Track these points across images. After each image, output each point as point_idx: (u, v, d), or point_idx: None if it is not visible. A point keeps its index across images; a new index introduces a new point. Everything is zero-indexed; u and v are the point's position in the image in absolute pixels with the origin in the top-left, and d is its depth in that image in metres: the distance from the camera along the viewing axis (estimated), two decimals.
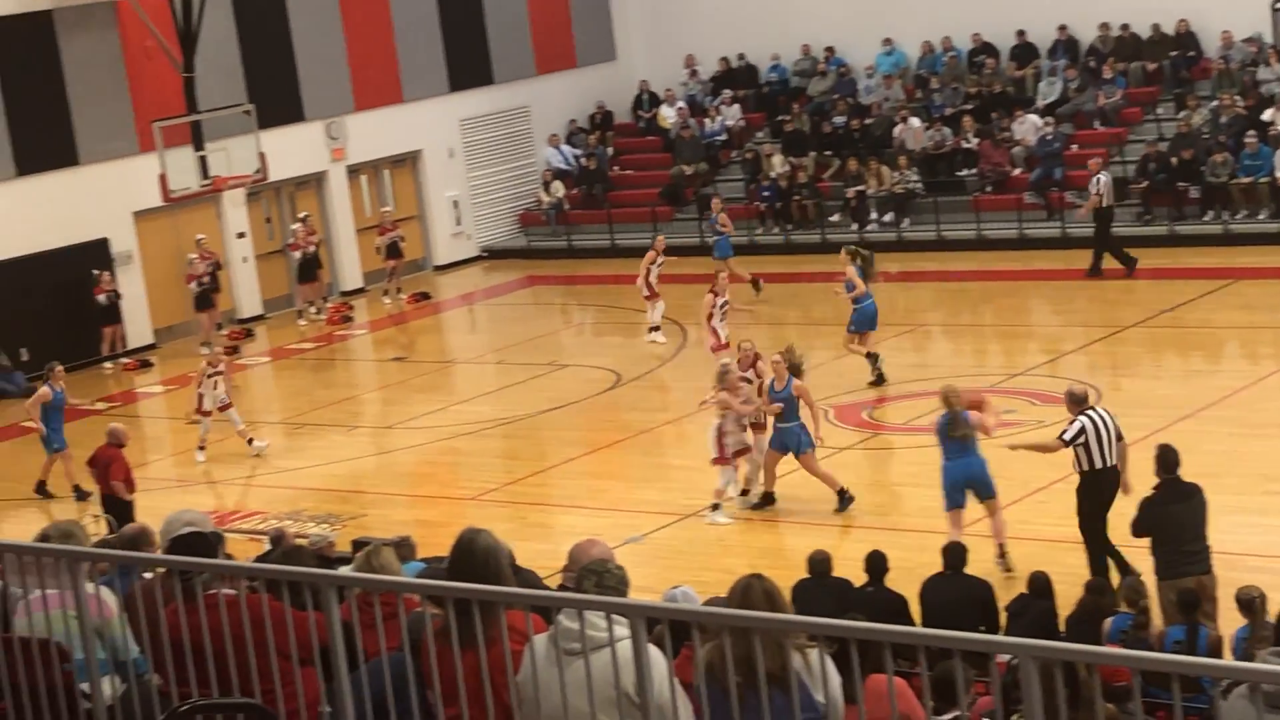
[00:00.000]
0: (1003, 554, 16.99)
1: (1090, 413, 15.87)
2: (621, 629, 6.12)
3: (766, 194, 34.82)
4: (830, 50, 37.45)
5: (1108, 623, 12.68)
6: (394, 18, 36.02)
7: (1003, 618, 13.58)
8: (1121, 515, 15.06)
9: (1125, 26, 34.60)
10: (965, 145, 34.06)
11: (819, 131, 36.04)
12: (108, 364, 31.19)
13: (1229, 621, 12.94)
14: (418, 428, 24.87)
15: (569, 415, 24.69)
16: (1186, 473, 14.43)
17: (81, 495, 22.61)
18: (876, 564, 14.13)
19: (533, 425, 24.34)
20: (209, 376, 24.37)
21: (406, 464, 23.51)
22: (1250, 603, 12.38)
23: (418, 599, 7.86)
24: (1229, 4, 33.56)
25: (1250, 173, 30.93)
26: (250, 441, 24.55)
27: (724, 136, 37.58)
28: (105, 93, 31.61)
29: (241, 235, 34.06)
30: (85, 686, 7.24)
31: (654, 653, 6.01)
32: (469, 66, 37.34)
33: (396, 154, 36.68)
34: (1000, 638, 5.21)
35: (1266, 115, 31.63)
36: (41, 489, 23.13)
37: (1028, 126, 33.49)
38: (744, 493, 19.68)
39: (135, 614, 7.37)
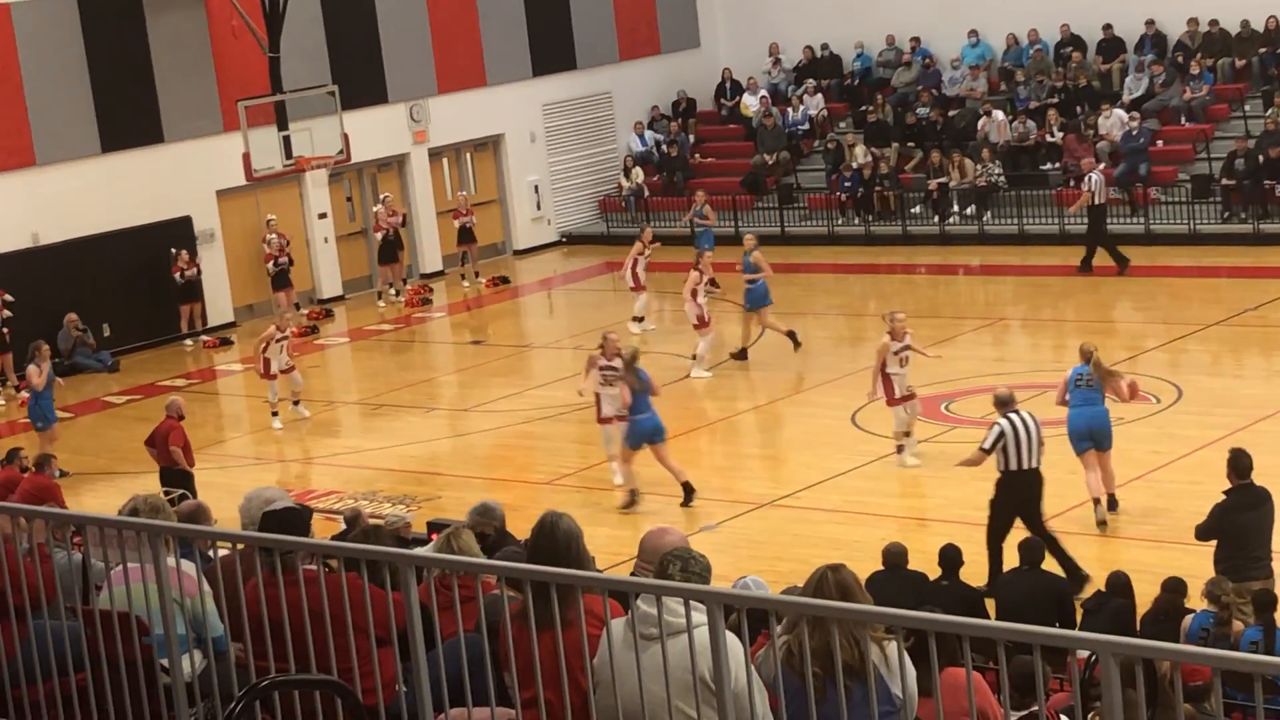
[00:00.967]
0: (1113, 503, 17.71)
1: (1012, 415, 16.22)
2: (699, 615, 6.12)
3: (848, 184, 34.70)
4: (916, 41, 37.27)
5: (1187, 620, 12.59)
6: (479, 1, 36.09)
7: (1078, 614, 13.50)
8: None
9: (1214, 22, 34.26)
10: (1049, 139, 33.82)
11: (902, 122, 35.89)
12: (188, 341, 31.44)
13: None
14: (494, 411, 24.94)
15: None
16: (1263, 472, 14.32)
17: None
18: (951, 557, 14.08)
19: None
20: (276, 341, 24.78)
21: (482, 447, 23.58)
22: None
23: (494, 582, 7.89)
24: None
25: None
26: (296, 403, 25.05)
27: (806, 126, 37.47)
28: (191, 72, 31.84)
29: (323, 216, 34.24)
30: (165, 662, 7.29)
31: (731, 640, 6.00)
32: (552, 51, 37.38)
33: (478, 137, 36.77)
34: (1081, 633, 5.18)
35: None
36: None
37: (1113, 121, 33.21)
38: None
39: (215, 589, 7.42)
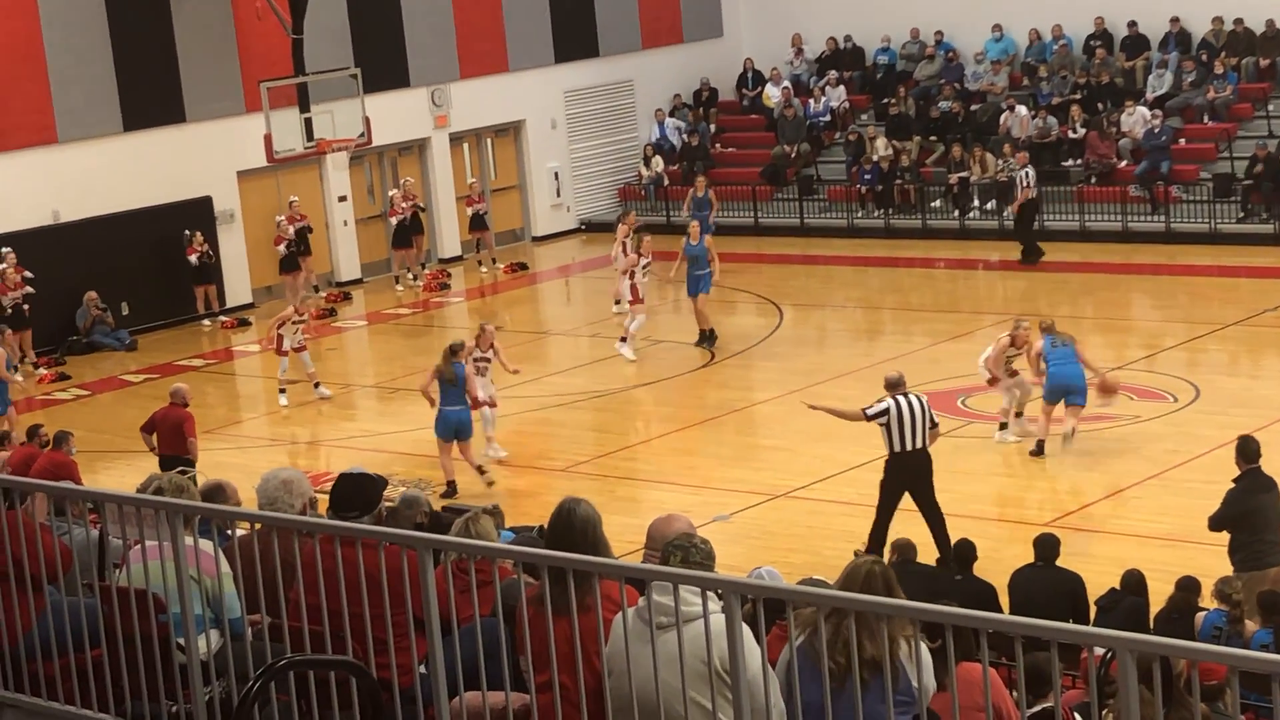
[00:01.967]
0: (1072, 432, 19.56)
1: (900, 397, 16.52)
2: (710, 604, 6.12)
3: (868, 177, 34.65)
4: (939, 34, 37.20)
5: (1199, 618, 12.57)
6: None
7: (1092, 612, 13.48)
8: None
9: (1239, 21, 34.16)
10: (1072, 135, 33.74)
11: (924, 116, 35.84)
12: (205, 321, 31.48)
13: None
14: (510, 397, 24.91)
15: (661, 391, 24.70)
16: (1278, 473, 14.32)
17: None
18: (965, 552, 14.08)
19: (625, 399, 24.37)
20: (292, 322, 25.08)
21: (498, 433, 23.56)
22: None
23: (511, 567, 7.90)
24: None
25: None
26: (316, 385, 25.31)
27: (828, 118, 37.42)
28: (214, 52, 31.86)
29: (343, 199, 34.27)
30: (181, 640, 7.31)
31: (743, 629, 6.01)
32: (575, 38, 37.36)
33: (499, 123, 36.76)
34: (1098, 630, 5.17)
35: None
36: None
37: (1136, 119, 33.13)
38: None
39: (234, 566, 7.43)
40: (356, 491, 7.47)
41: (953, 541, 14.29)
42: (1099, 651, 5.82)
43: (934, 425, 16.75)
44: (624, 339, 26.10)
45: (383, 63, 33.64)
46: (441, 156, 35.73)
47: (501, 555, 7.12)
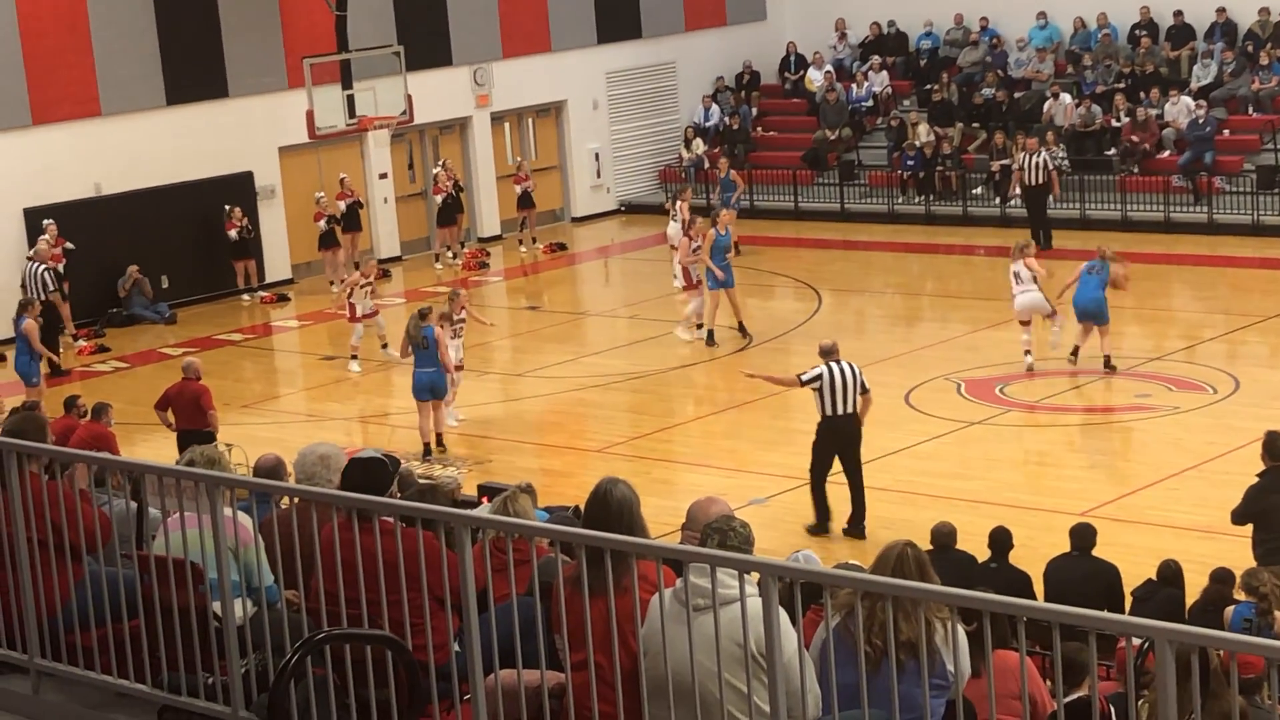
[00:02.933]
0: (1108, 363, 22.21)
1: (833, 364, 17.29)
2: (747, 587, 6.11)
3: (910, 163, 34.54)
4: (984, 20, 37.04)
5: (1229, 612, 12.50)
6: None
7: (1128, 603, 13.43)
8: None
9: None
10: (1115, 124, 33.58)
11: (967, 102, 35.70)
12: (245, 296, 31.57)
13: None
14: (547, 377, 24.97)
15: (699, 373, 24.70)
16: None
17: None
18: (1001, 540, 14.03)
19: (662, 381, 24.35)
20: (361, 287, 25.54)
21: (534, 412, 23.61)
22: None
23: (548, 546, 7.90)
24: None
25: None
26: (384, 346, 25.76)
27: (870, 103, 37.31)
28: (258, 27, 31.91)
29: (384, 176, 34.31)
30: (216, 607, 7.34)
31: (779, 612, 6.00)
32: (618, 19, 37.32)
33: (541, 103, 36.75)
34: (1136, 619, 5.15)
35: None
36: None
37: (1180, 109, 32.96)
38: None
39: (271, 541, 7.45)
40: (367, 477, 7.47)
41: (990, 530, 14.24)
42: (1136, 642, 5.80)
43: (865, 391, 17.48)
44: (695, 325, 25.96)
45: (426, 41, 33.66)
46: (483, 136, 35.74)
47: (539, 534, 7.12)
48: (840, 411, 17.34)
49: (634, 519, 6.93)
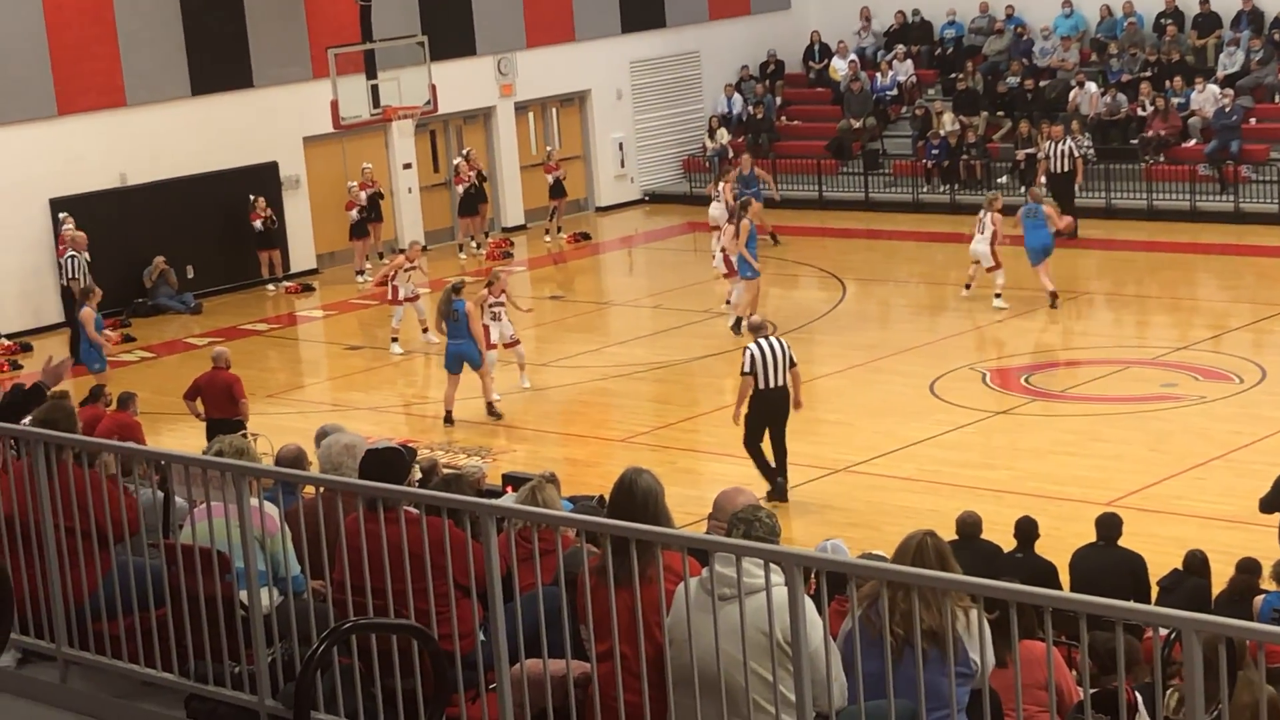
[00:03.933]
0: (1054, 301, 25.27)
1: (761, 341, 18.22)
2: (773, 576, 6.11)
3: (935, 152, 34.47)
4: (1010, 9, 36.95)
5: (1258, 601, 12.46)
6: None
7: (1154, 592, 13.40)
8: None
9: None
10: (1141, 113, 33.47)
11: (992, 91, 35.62)
12: (270, 286, 31.63)
13: None
14: (571, 366, 24.98)
15: (722, 363, 24.65)
16: None
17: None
18: (1027, 530, 14.00)
19: (686, 371, 24.34)
20: (405, 270, 25.91)
21: (558, 402, 23.62)
22: None
23: (573, 536, 7.90)
24: None
25: None
26: (425, 331, 26.06)
27: (894, 92, 37.24)
28: (282, 17, 31.95)
29: (408, 166, 34.35)
30: (243, 596, 7.36)
31: (805, 602, 6.00)
32: (642, 8, 37.29)
33: (565, 93, 36.75)
34: (1163, 609, 5.14)
35: None
36: None
37: (1206, 97, 32.84)
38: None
39: (297, 530, 7.47)
40: (384, 468, 7.47)
41: (1015, 519, 14.22)
42: (1163, 632, 5.79)
43: (793, 365, 18.35)
44: (728, 302, 26.54)
45: (450, 30, 33.67)
46: (506, 125, 35.75)
47: (563, 523, 7.12)
48: (771, 385, 18.17)
49: (659, 508, 6.93)
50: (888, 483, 18.94)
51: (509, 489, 14.26)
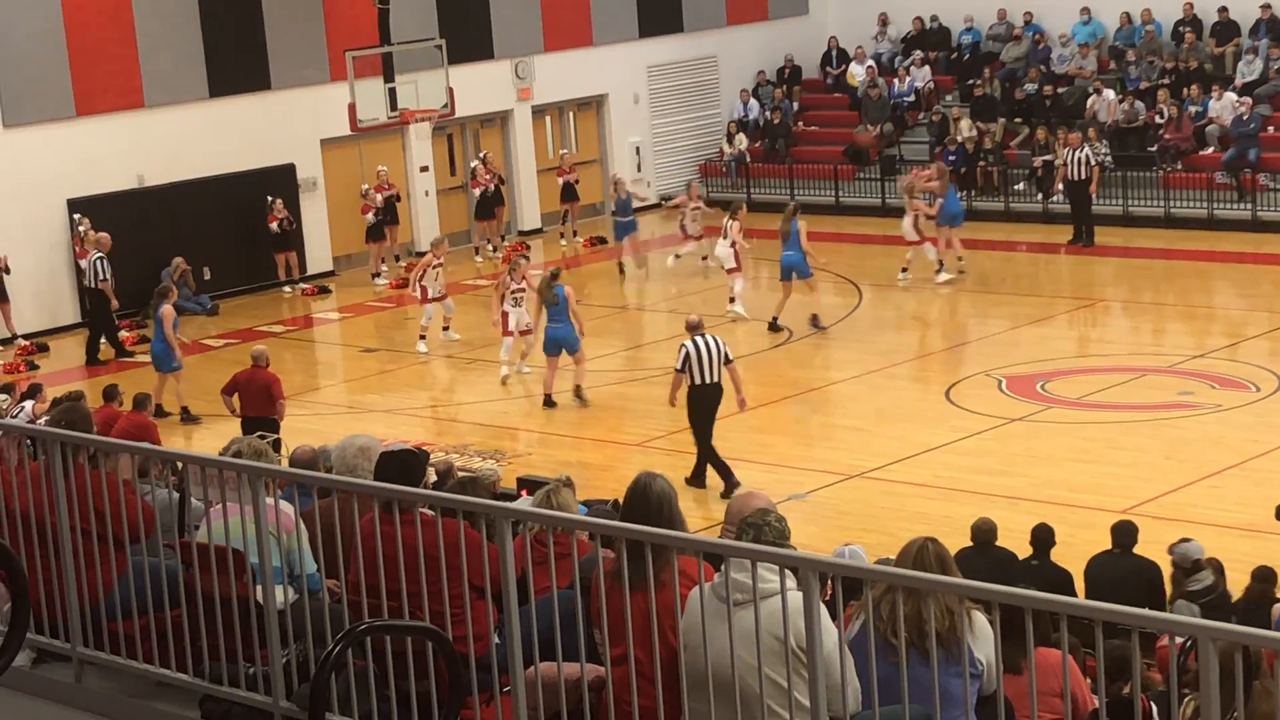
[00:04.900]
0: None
1: (698, 338, 19.06)
2: (787, 581, 6.10)
3: (951, 158, 34.42)
4: (1028, 15, 36.91)
5: (1276, 609, 12.44)
6: None
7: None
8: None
9: None
10: (1159, 120, 33.41)
11: (1010, 98, 35.58)
12: (286, 288, 31.67)
13: None
14: (587, 370, 24.94)
15: (739, 368, 24.60)
16: None
17: (189, 418, 23.02)
18: (1043, 537, 13.99)
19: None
20: (433, 268, 26.13)
21: (573, 405, 23.60)
22: None
23: (588, 540, 7.90)
24: None
25: None
26: (446, 329, 26.70)
27: (912, 98, 37.21)
28: (301, 19, 32.01)
29: (425, 169, 34.39)
30: (258, 596, 7.36)
31: (820, 607, 5.99)
32: (659, 13, 37.30)
33: (582, 97, 36.76)
34: (1179, 617, 5.13)
35: None
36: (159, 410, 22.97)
37: (1224, 105, 32.79)
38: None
39: (314, 532, 7.47)
40: (402, 469, 7.47)
41: (1031, 527, 14.20)
42: (1179, 640, 5.76)
43: (729, 362, 19.18)
44: (732, 300, 27.12)
45: (467, 34, 33.70)
46: (524, 129, 35.78)
47: (578, 527, 7.11)
48: (707, 380, 18.97)
49: (674, 513, 6.93)
50: (903, 489, 18.92)
51: (524, 492, 14.26)
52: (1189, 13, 35.06)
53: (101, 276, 27.29)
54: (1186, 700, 7.05)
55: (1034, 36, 36.65)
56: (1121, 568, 13.57)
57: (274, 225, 31.30)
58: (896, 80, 37.43)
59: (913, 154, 35.96)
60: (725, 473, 18.88)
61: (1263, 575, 13.01)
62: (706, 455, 19.04)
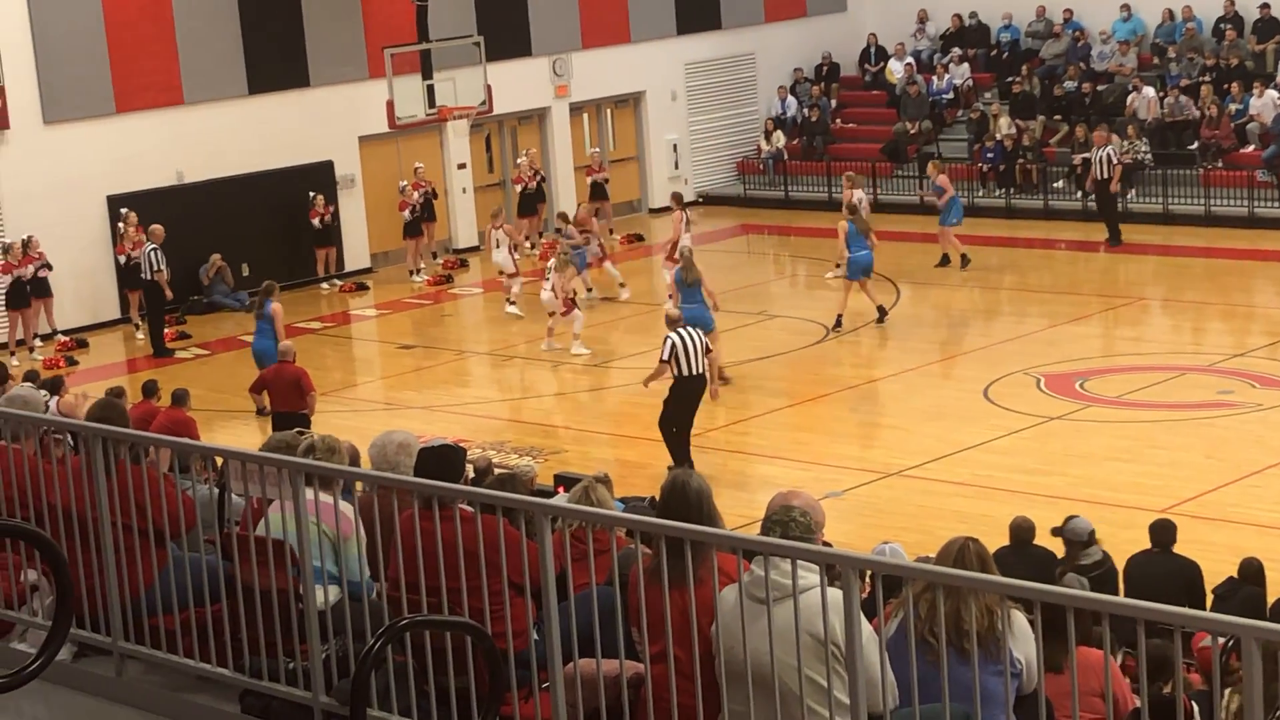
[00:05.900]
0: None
1: (680, 331, 19.57)
2: (814, 577, 6.09)
3: (990, 156, 34.34)
4: (1068, 13, 36.79)
5: None
6: None
7: (1209, 600, 13.31)
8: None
9: None
10: (1199, 117, 33.25)
11: (1049, 95, 35.47)
12: (324, 285, 31.76)
13: None
14: (624, 367, 24.98)
15: (775, 366, 24.63)
16: None
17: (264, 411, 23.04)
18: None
19: (738, 373, 24.27)
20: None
21: (610, 403, 23.64)
22: None
23: (625, 537, 7.90)
24: None
25: None
26: (512, 303, 27.85)
27: (950, 95, 37.12)
28: (339, 17, 32.09)
29: (462, 166, 34.45)
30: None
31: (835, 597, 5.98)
32: (697, 10, 37.28)
33: (619, 94, 36.77)
34: (1222, 616, 5.11)
35: None
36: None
37: (1265, 102, 32.61)
38: None
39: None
40: (442, 464, 7.46)
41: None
42: (1221, 640, 5.76)
43: (708, 352, 19.71)
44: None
45: (505, 31, 33.74)
46: (561, 126, 35.80)
47: (617, 523, 7.11)
48: (693, 371, 19.43)
49: (712, 510, 6.92)
50: (941, 487, 18.88)
51: (560, 489, 14.27)
52: (1230, 10, 34.89)
53: (156, 267, 27.38)
54: (1229, 693, 7.03)
55: (1074, 34, 36.52)
56: (1161, 567, 13.51)
57: (315, 221, 31.38)
58: (935, 77, 37.34)
59: (951, 151, 35.88)
60: (679, 459, 19.22)
61: None
62: (676, 443, 19.45)
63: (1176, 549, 13.77)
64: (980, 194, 34.42)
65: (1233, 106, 32.97)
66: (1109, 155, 30.54)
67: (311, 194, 31.42)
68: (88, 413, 8.57)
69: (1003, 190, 34.21)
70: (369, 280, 32.37)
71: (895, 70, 38.00)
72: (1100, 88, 35.10)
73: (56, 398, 19.43)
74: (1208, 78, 33.93)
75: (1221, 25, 34.91)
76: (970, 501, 18.23)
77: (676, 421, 19.57)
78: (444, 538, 6.84)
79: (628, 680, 6.64)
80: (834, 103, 38.43)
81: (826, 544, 7.04)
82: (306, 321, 29.27)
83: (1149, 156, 32.89)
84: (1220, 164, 32.30)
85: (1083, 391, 22.17)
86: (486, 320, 29.95)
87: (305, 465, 7.33)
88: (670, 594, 6.34)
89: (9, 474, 8.35)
